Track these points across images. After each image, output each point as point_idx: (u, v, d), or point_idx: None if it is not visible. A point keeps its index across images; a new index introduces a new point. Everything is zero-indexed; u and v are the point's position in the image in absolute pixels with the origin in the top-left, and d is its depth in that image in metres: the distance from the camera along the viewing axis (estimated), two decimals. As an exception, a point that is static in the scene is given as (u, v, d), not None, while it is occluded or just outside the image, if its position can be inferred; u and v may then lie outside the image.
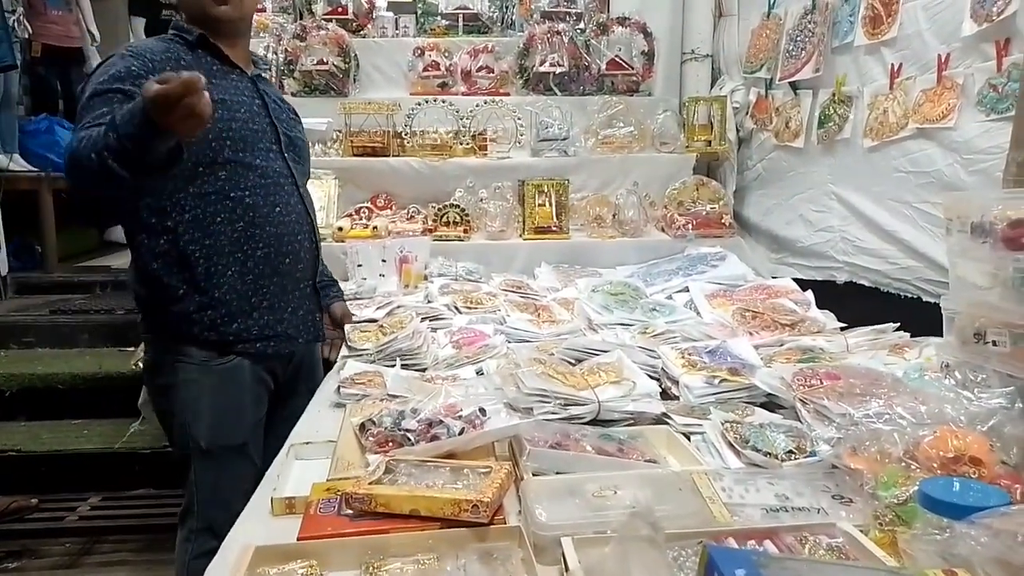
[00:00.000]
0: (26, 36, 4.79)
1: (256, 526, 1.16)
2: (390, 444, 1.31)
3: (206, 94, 1.31)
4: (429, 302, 2.48)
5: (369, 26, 3.84)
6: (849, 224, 2.73)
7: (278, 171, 1.82)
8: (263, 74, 1.94)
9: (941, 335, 1.82)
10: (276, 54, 3.55)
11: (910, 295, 2.40)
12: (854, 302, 2.42)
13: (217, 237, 1.71)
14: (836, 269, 2.80)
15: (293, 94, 3.55)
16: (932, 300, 2.25)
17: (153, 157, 1.43)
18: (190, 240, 1.70)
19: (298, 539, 1.05)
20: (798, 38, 2.95)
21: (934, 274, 2.26)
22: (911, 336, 1.95)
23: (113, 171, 1.42)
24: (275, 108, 1.87)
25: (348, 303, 2.55)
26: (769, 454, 1.27)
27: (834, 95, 2.72)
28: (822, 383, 1.46)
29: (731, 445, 1.33)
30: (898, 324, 2.02)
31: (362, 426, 1.38)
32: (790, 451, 1.28)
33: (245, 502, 1.69)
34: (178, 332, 1.73)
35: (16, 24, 4.54)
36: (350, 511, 1.10)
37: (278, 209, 1.79)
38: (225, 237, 1.72)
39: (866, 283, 2.64)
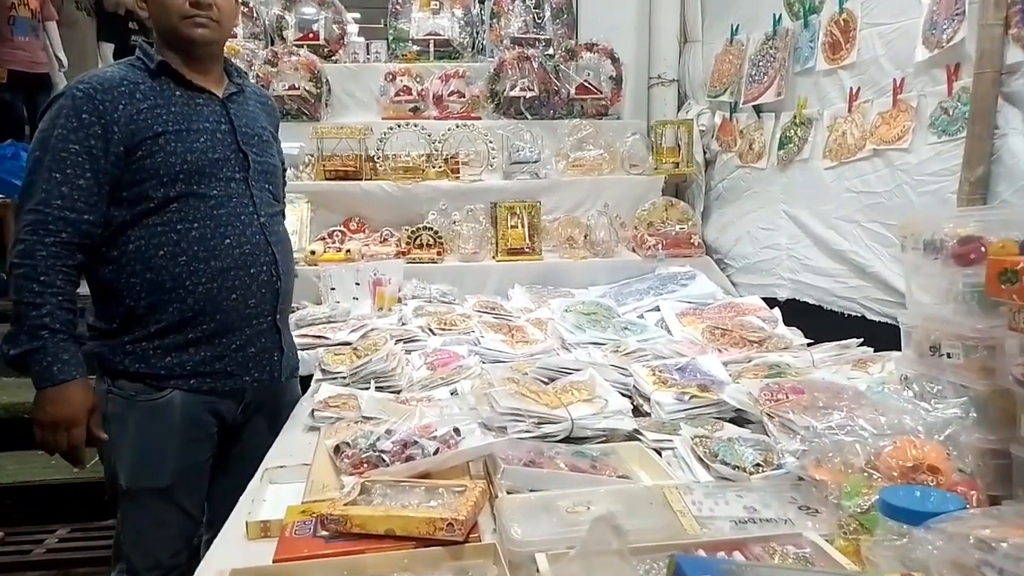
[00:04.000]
0: (-8, 62, 4.74)
1: (231, 550, 1.15)
2: (365, 465, 1.32)
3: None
4: (403, 324, 2.49)
5: (340, 52, 3.86)
6: (797, 242, 2.79)
7: (236, 201, 1.73)
8: (244, 88, 1.84)
9: (887, 351, 1.88)
10: (248, 79, 3.56)
11: (855, 314, 2.44)
12: (794, 319, 2.45)
13: (158, 272, 1.64)
14: (779, 286, 2.86)
15: (265, 119, 3.56)
16: (878, 319, 2.30)
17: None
18: (131, 272, 1.65)
19: (274, 561, 1.05)
20: (760, 63, 3.04)
21: (882, 293, 2.30)
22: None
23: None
24: (245, 132, 1.77)
25: (322, 327, 2.55)
26: (738, 467, 1.31)
27: (795, 118, 2.81)
28: (788, 397, 1.50)
29: (701, 459, 1.37)
30: (861, 340, 2.08)
31: (337, 448, 1.38)
32: (758, 464, 1.31)
33: (173, 550, 1.70)
34: (111, 363, 1.68)
35: (-19, 50, 4.49)
36: (325, 532, 1.11)
37: (228, 241, 1.69)
38: (167, 272, 1.65)
39: (810, 301, 2.69)
